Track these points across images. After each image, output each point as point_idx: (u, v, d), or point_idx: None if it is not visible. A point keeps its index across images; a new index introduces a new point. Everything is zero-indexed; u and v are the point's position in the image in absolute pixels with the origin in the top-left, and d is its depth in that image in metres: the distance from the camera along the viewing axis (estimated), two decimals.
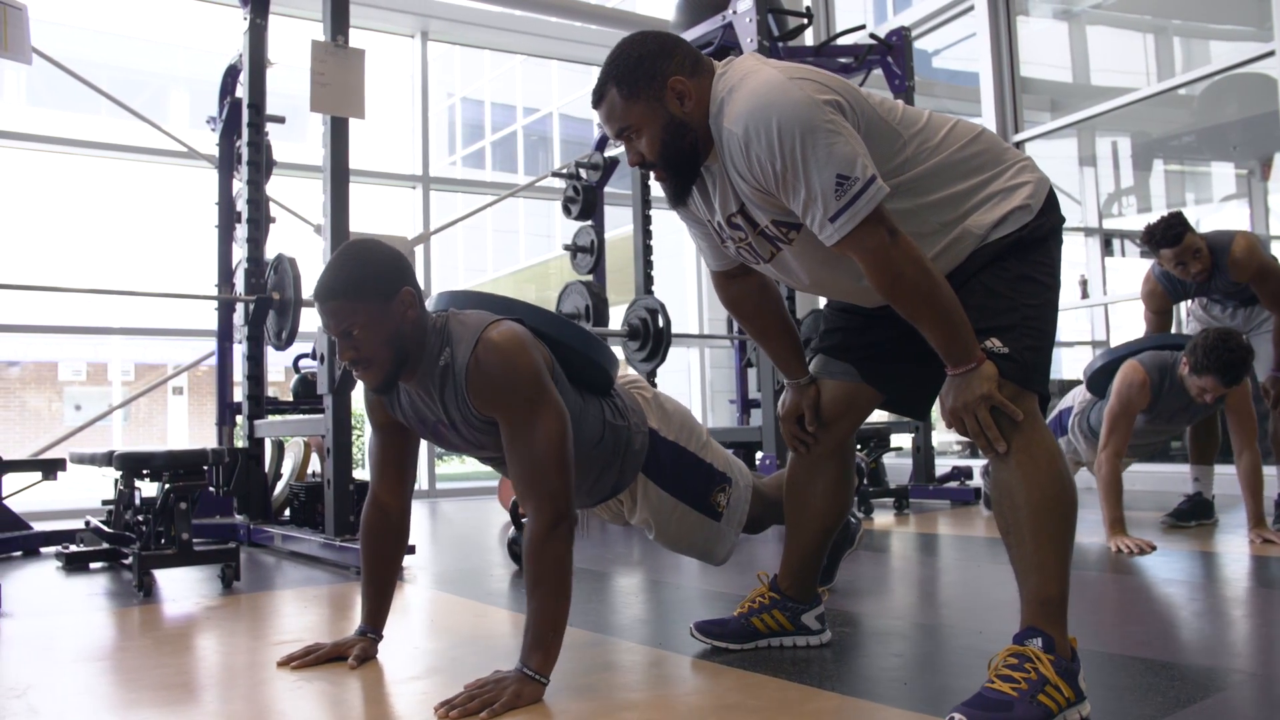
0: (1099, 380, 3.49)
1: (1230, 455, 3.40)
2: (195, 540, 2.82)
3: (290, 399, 4.59)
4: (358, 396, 3.30)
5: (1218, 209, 7.05)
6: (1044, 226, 1.61)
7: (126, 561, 3.09)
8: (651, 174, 1.64)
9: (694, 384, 7.99)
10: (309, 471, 4.37)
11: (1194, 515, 3.65)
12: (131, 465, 2.89)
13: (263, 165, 4.05)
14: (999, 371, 1.49)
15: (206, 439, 16.85)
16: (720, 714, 1.49)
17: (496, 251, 17.11)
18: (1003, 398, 1.48)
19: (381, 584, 1.95)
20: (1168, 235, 3.41)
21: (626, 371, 2.10)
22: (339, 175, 3.23)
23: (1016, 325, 1.54)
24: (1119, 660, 1.74)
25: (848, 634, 2.01)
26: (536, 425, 1.65)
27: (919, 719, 1.43)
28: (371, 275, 1.66)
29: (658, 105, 1.55)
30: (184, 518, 2.82)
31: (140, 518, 2.99)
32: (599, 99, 1.60)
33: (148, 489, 3.08)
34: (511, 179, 16.49)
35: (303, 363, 4.77)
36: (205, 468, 2.86)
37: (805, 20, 4.73)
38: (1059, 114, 6.37)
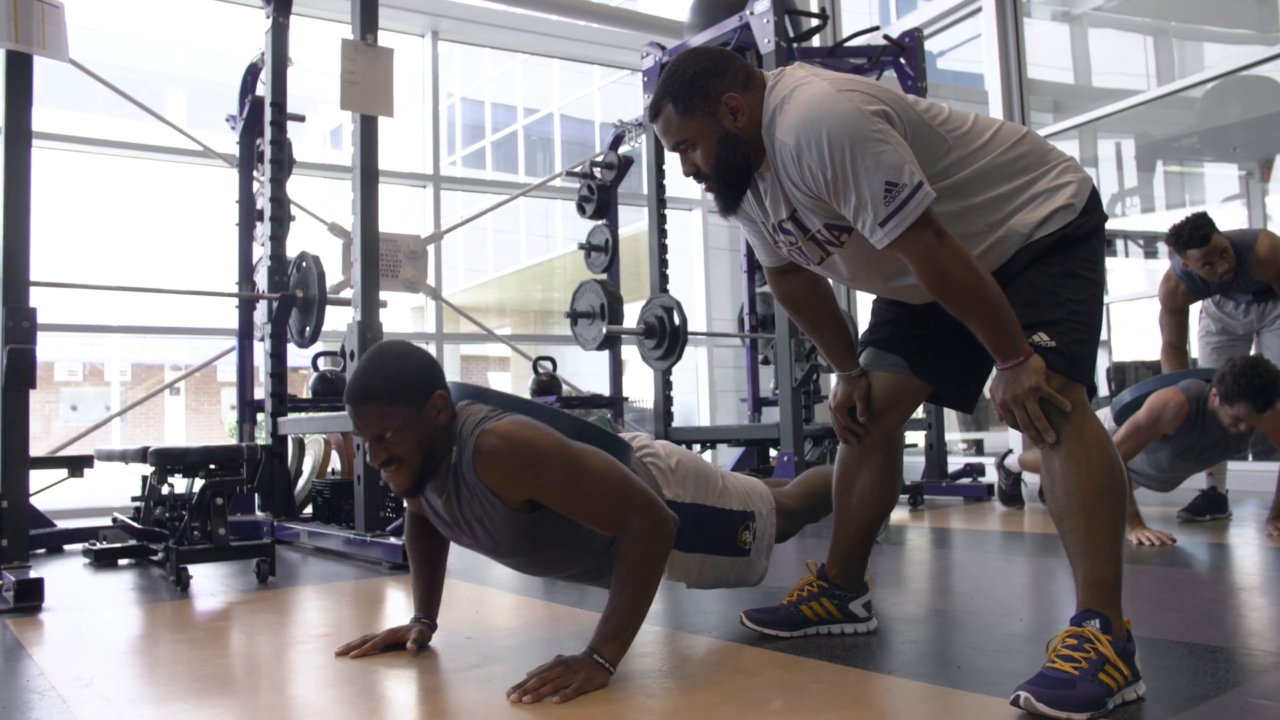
0: (1129, 414, 3.37)
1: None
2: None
3: (306, 397, 4.62)
4: None
5: (1218, 210, 7.13)
6: (1087, 224, 1.66)
7: (155, 558, 3.11)
8: (703, 186, 1.70)
9: (701, 382, 8.03)
10: (329, 469, 4.40)
11: (1209, 510, 3.71)
12: (166, 461, 2.91)
13: (284, 164, 4.07)
14: (1047, 364, 1.55)
15: (204, 437, 16.81)
16: (785, 694, 1.53)
17: (497, 252, 17.10)
18: (1051, 390, 1.53)
19: (431, 575, 2.00)
20: (1195, 236, 3.43)
21: (637, 437, 2.05)
22: (369, 175, 3.24)
23: (1063, 320, 1.59)
24: (1162, 645, 1.79)
25: (889, 623, 2.05)
26: (582, 472, 1.64)
27: (980, 699, 1.47)
28: (406, 381, 1.64)
29: (712, 120, 1.62)
30: (220, 513, 2.85)
31: (172, 514, 3.01)
32: (655, 113, 1.68)
33: (175, 486, 3.10)
34: (512, 179, 16.50)
35: (321, 360, 4.79)
36: (242, 463, 2.89)
37: (821, 21, 4.79)
38: (1061, 115, 6.44)
